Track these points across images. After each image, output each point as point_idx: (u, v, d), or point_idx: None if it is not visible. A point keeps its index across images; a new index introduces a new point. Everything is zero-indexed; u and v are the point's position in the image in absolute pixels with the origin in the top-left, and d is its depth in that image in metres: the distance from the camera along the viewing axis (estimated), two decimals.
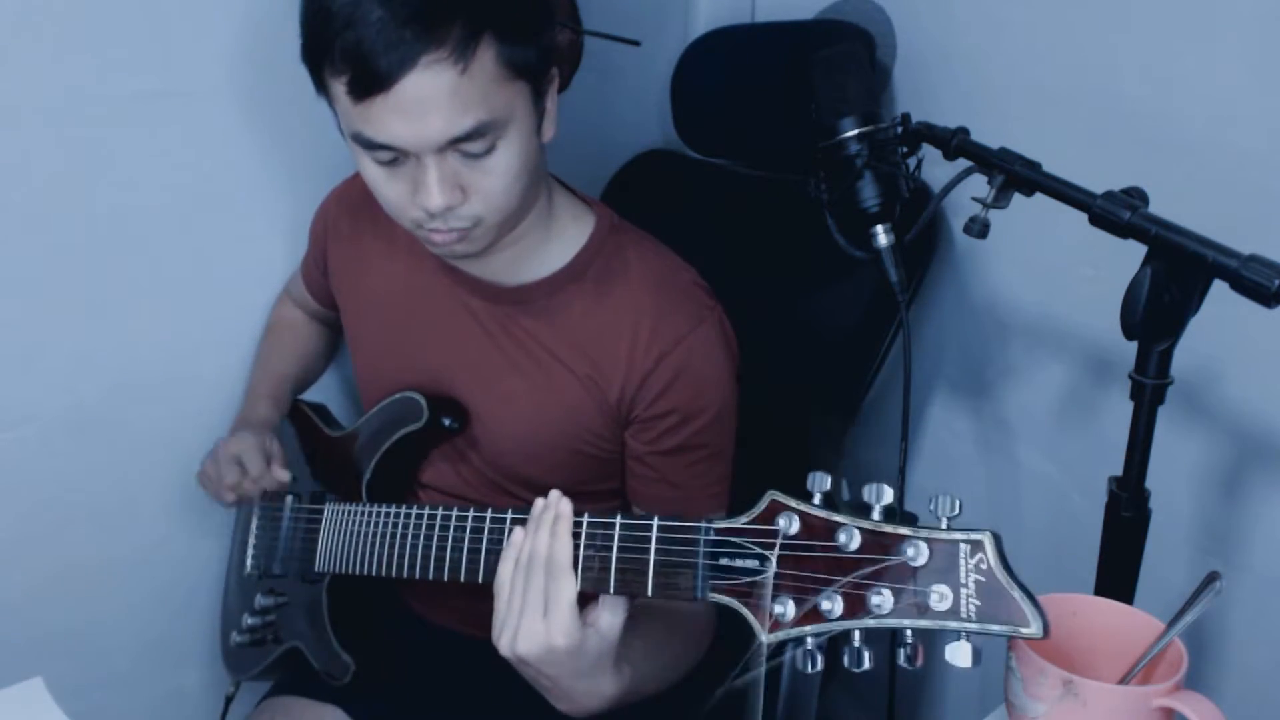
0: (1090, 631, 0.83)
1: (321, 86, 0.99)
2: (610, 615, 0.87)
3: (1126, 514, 0.94)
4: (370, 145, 0.97)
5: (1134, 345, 0.90)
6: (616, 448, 1.15)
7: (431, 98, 0.93)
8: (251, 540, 1.35)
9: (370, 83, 0.92)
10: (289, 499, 1.30)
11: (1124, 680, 0.81)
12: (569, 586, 0.86)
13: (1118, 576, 0.95)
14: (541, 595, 0.87)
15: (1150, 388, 0.90)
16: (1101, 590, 0.95)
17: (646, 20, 1.63)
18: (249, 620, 1.30)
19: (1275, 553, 1.13)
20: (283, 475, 1.24)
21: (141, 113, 1.27)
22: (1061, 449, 1.35)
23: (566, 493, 1.12)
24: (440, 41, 0.91)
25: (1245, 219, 0.94)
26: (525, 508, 0.93)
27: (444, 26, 0.91)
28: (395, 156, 0.98)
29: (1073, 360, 1.30)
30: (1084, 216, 0.92)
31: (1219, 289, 0.86)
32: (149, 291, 1.35)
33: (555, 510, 0.89)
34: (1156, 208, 0.90)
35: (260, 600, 1.30)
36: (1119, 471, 0.94)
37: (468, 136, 0.95)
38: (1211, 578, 0.81)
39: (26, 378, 1.30)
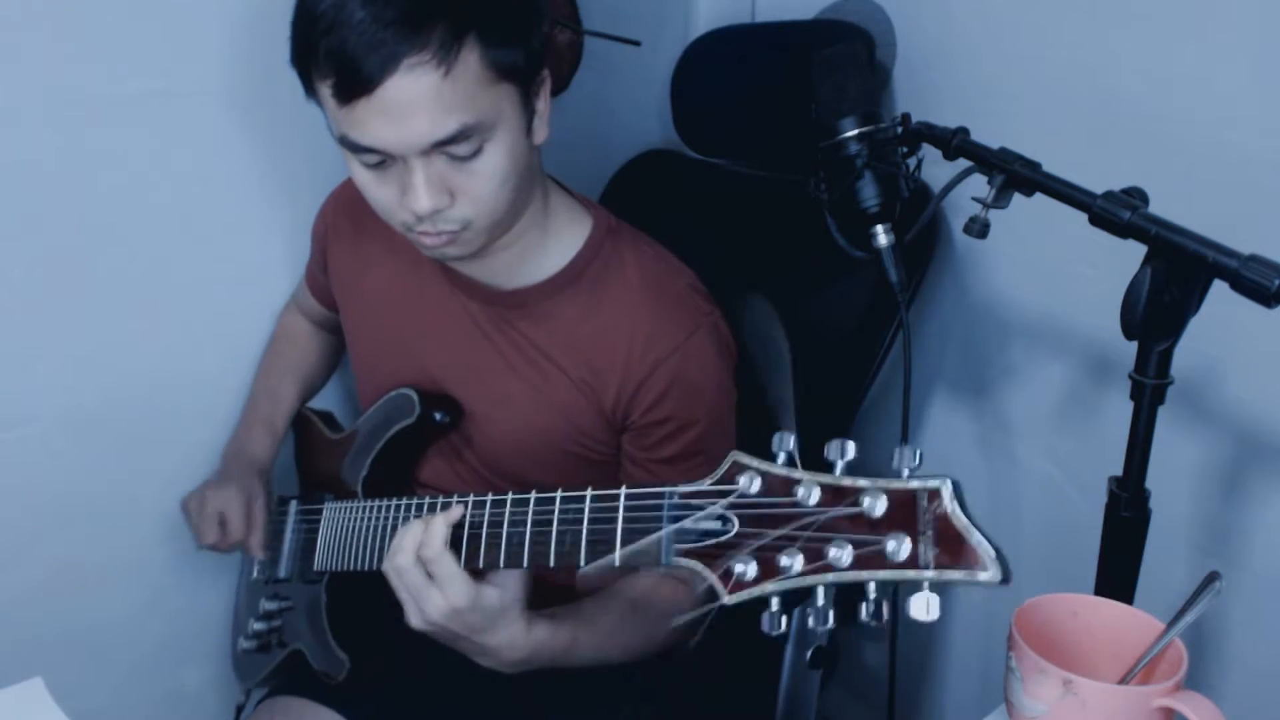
0: (1090, 631, 0.83)
1: (310, 90, 0.99)
2: (507, 575, 0.95)
3: (1126, 514, 0.94)
4: (357, 148, 0.97)
5: (1134, 345, 0.90)
6: (611, 450, 1.15)
7: (414, 100, 0.92)
8: None
9: (354, 85, 0.92)
10: (292, 503, 1.31)
11: (1124, 680, 0.81)
12: (447, 559, 0.93)
13: (1118, 576, 0.95)
14: (424, 572, 0.94)
15: (1150, 388, 0.90)
16: (1101, 590, 0.95)
17: (646, 20, 1.63)
18: (255, 625, 1.31)
19: (1275, 553, 1.13)
20: (257, 553, 1.30)
21: (142, 113, 1.27)
22: (1061, 449, 1.35)
23: (544, 489, 1.13)
24: (423, 44, 0.91)
25: (1245, 219, 0.94)
26: (518, 492, 0.94)
27: (426, 29, 0.91)
28: (382, 159, 0.97)
29: (1073, 360, 1.30)
30: (1084, 216, 0.92)
31: (1219, 289, 0.86)
32: (149, 292, 1.35)
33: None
34: (1156, 208, 0.90)
35: (265, 605, 1.30)
36: (1119, 471, 0.94)
37: (453, 139, 0.95)
38: (1211, 578, 0.81)
39: (26, 378, 1.30)
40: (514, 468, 1.17)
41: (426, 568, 0.93)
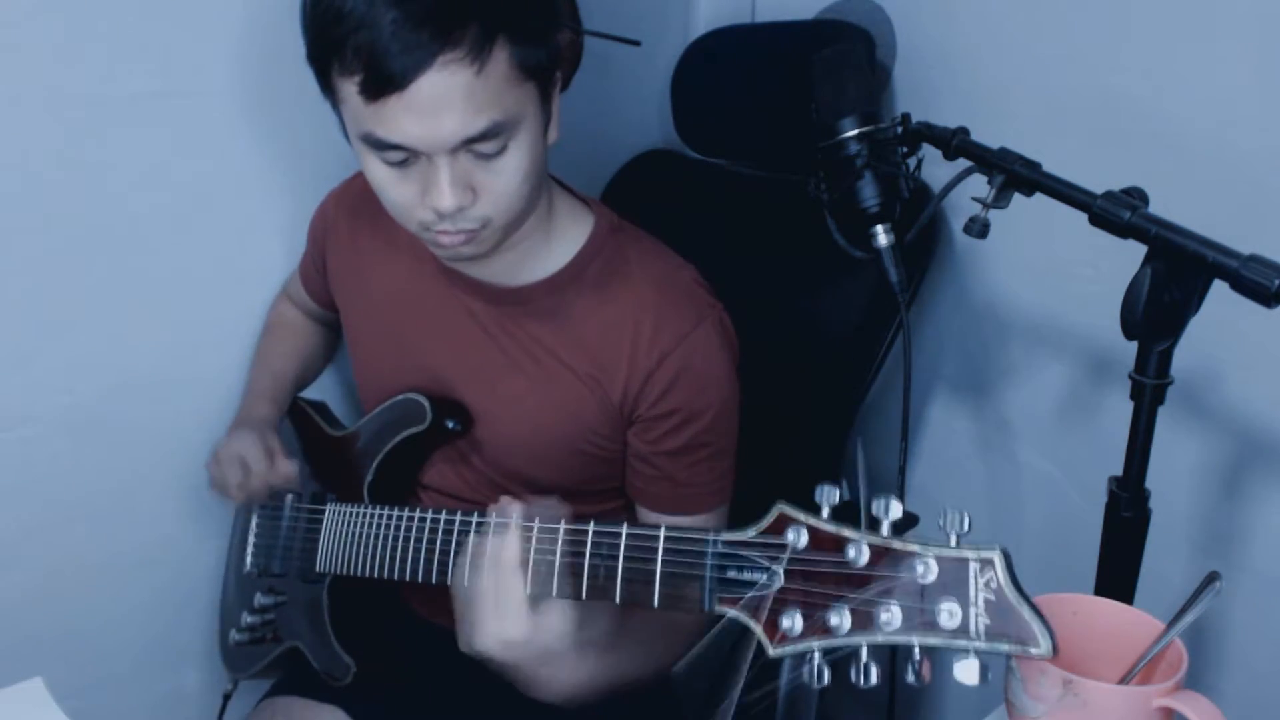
0: (1090, 631, 0.83)
1: (328, 87, 0.98)
2: (560, 611, 0.91)
3: (1126, 514, 0.94)
4: (382, 146, 0.97)
5: (1134, 345, 0.90)
6: (619, 447, 1.15)
7: (446, 98, 0.92)
8: (251, 538, 1.35)
9: (384, 83, 0.92)
10: (289, 497, 1.30)
11: (1124, 680, 0.81)
12: (517, 584, 0.89)
13: (1118, 576, 0.95)
14: (494, 593, 0.90)
15: (1150, 388, 0.90)
16: (1101, 590, 0.95)
17: (646, 20, 1.63)
18: (248, 619, 1.30)
19: (1275, 553, 1.13)
20: (287, 469, 1.26)
21: (142, 113, 1.27)
22: (1061, 449, 1.35)
23: (567, 492, 1.12)
24: (456, 42, 0.91)
25: (1245, 219, 0.94)
26: (544, 520, 0.93)
27: (460, 27, 0.91)
28: (406, 157, 0.97)
29: (1073, 360, 1.30)
30: (1084, 216, 0.92)
31: (1219, 289, 0.86)
32: (148, 291, 1.35)
33: (503, 514, 0.93)
34: (1156, 208, 0.90)
35: (260, 599, 1.29)
36: (1119, 471, 0.94)
37: (481, 136, 0.95)
38: (1211, 578, 0.81)
39: (26, 378, 1.30)
40: (520, 467, 1.17)
41: (500, 594, 0.90)
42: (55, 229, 1.27)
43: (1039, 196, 0.97)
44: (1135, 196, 0.91)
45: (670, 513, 1.14)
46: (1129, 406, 0.92)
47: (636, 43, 1.53)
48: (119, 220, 1.31)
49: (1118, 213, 0.89)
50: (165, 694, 1.53)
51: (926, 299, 1.46)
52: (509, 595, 0.90)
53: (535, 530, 0.91)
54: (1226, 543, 1.17)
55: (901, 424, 1.12)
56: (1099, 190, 0.91)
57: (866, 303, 1.34)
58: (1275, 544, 1.13)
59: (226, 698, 1.39)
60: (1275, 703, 1.15)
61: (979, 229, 0.98)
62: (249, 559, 1.34)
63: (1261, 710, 1.15)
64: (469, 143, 0.95)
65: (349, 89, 0.95)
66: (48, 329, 1.30)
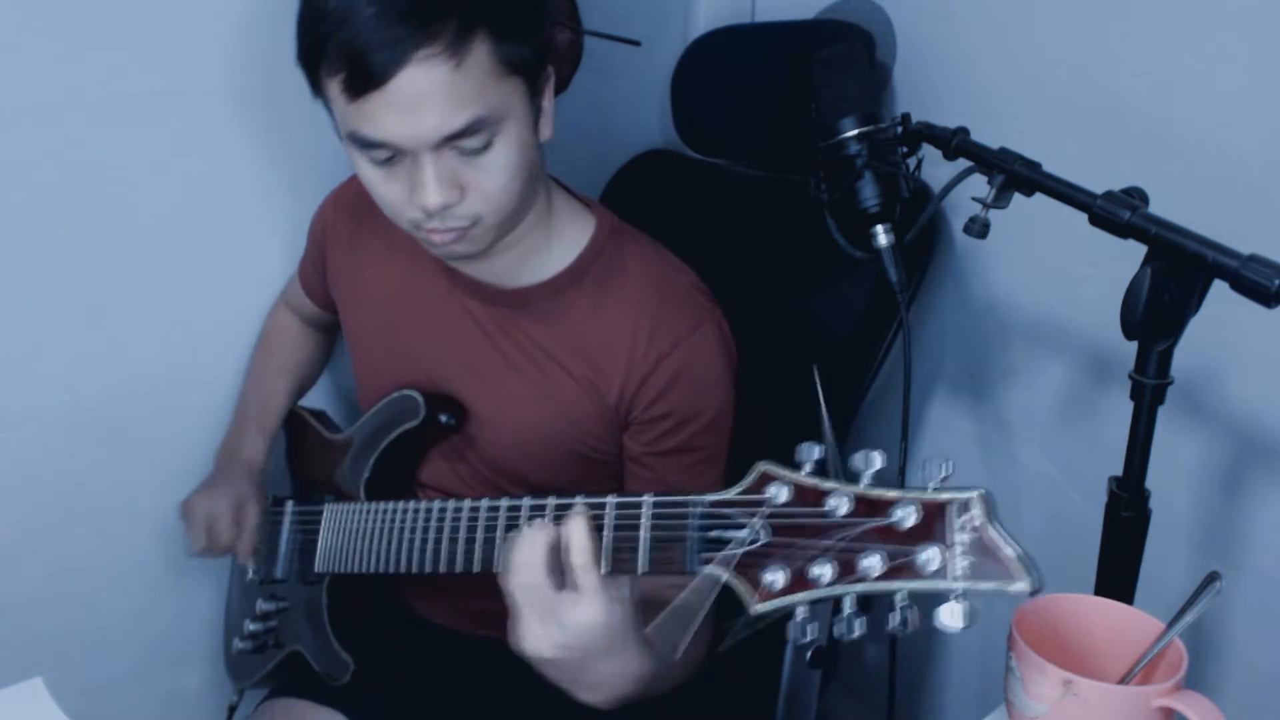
0: (1090, 631, 0.83)
1: (317, 87, 0.99)
2: (622, 585, 0.85)
3: (1126, 514, 0.94)
4: (366, 144, 0.97)
5: (1134, 345, 0.90)
6: (614, 449, 1.15)
7: (426, 93, 0.93)
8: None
9: (365, 79, 0.92)
10: (289, 504, 1.31)
11: (1124, 680, 0.81)
12: (596, 567, 0.83)
13: (1118, 576, 0.96)
14: (555, 586, 0.84)
15: (1150, 388, 0.90)
16: (1101, 590, 0.95)
17: (646, 20, 1.63)
18: (251, 626, 1.30)
19: (1275, 553, 1.13)
20: (245, 559, 1.29)
21: (141, 113, 1.27)
22: (1061, 449, 1.35)
23: (563, 493, 1.12)
24: (434, 37, 0.92)
25: (1245, 219, 0.94)
26: (521, 496, 0.93)
27: (437, 22, 0.92)
28: (391, 155, 0.98)
29: (1073, 360, 1.30)
30: (1084, 216, 0.92)
31: (1219, 289, 0.86)
32: (148, 292, 1.35)
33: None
34: (1156, 208, 0.90)
35: (262, 605, 1.30)
36: (1119, 471, 0.94)
37: (464, 132, 0.95)
38: (1211, 578, 0.81)
39: (26, 378, 1.30)
40: (517, 468, 1.17)
41: (574, 577, 0.82)
42: (55, 229, 1.27)
43: (1039, 196, 0.97)
44: (1135, 196, 0.91)
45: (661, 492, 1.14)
46: (1129, 406, 0.92)
47: (636, 43, 1.53)
48: (119, 220, 1.31)
49: (1118, 213, 0.89)
50: (166, 694, 1.53)
51: (926, 299, 1.46)
52: (588, 577, 0.82)
53: (502, 509, 0.91)
54: (1226, 543, 1.17)
55: (901, 424, 1.12)
56: (1099, 190, 0.91)
57: (866, 303, 1.34)
58: (1275, 544, 1.13)
59: (232, 709, 1.39)
60: (1275, 703, 1.15)
61: (979, 229, 0.98)
62: (251, 566, 1.34)
63: (1261, 710, 1.15)
64: (452, 139, 0.95)
65: (335, 88, 0.95)
66: (48, 329, 1.30)
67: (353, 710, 1.21)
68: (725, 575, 0.75)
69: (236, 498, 1.27)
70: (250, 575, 1.34)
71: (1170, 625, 0.80)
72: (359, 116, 0.95)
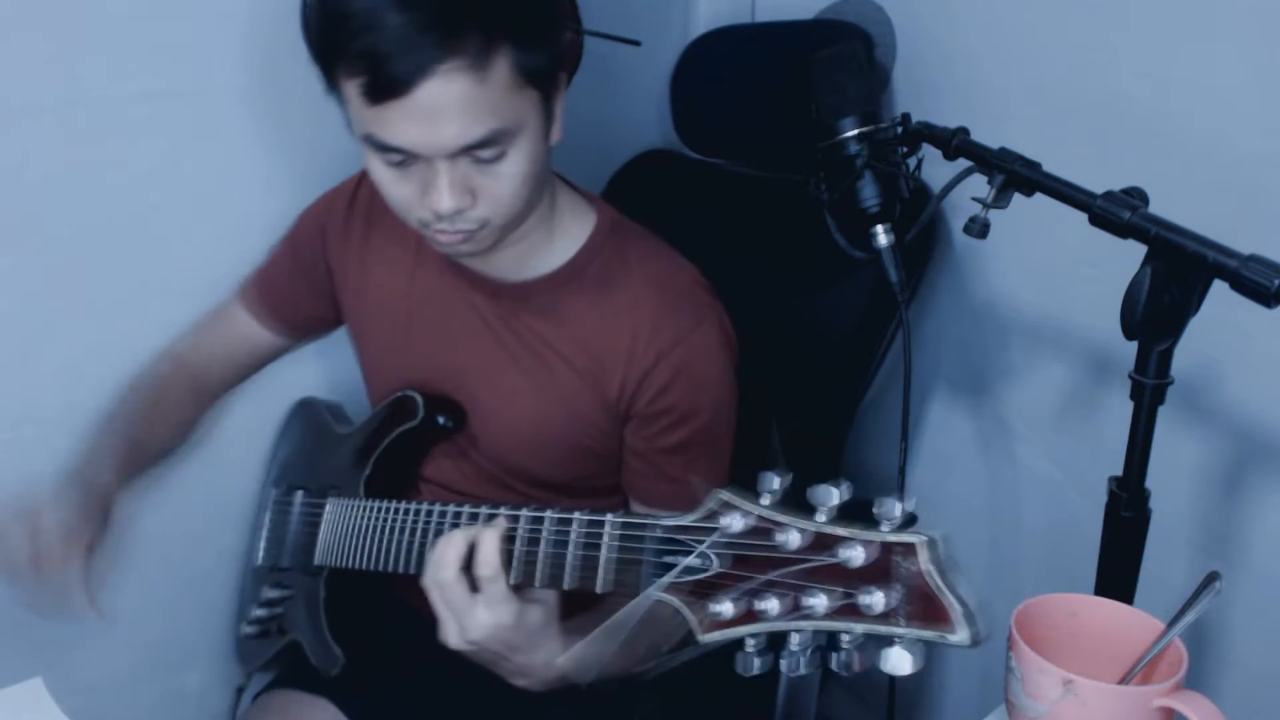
0: (1090, 631, 0.83)
1: (333, 86, 0.99)
2: (544, 591, 0.93)
3: (1126, 514, 0.94)
4: (382, 148, 0.97)
5: (1134, 345, 0.90)
6: (616, 443, 1.15)
7: (447, 105, 0.93)
8: (264, 533, 1.36)
9: (387, 87, 0.92)
10: (299, 494, 1.31)
11: (1124, 680, 0.81)
12: (502, 577, 0.91)
13: (1118, 576, 0.95)
14: (468, 588, 0.92)
15: (1150, 388, 0.90)
16: (1101, 590, 0.95)
17: (646, 20, 1.63)
18: (256, 612, 1.31)
19: (1275, 553, 1.13)
20: (67, 580, 1.11)
21: (142, 112, 1.27)
22: (1061, 449, 1.35)
23: (567, 488, 1.12)
24: (459, 49, 0.91)
25: (1245, 219, 0.94)
26: (514, 503, 0.94)
27: (462, 35, 0.91)
28: (406, 159, 0.98)
29: (1073, 360, 1.30)
30: (1084, 216, 0.92)
31: (1219, 289, 0.86)
32: (149, 291, 1.35)
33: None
34: (1156, 208, 0.90)
35: (267, 592, 1.31)
36: (1119, 471, 0.94)
37: (481, 144, 0.96)
38: (1211, 578, 0.81)
39: (26, 378, 1.30)
40: (519, 462, 1.18)
41: (478, 585, 0.91)
42: (57, 228, 1.27)
43: (1039, 196, 0.97)
44: (1135, 196, 0.91)
45: (666, 510, 1.14)
46: (1129, 406, 0.92)
47: (636, 43, 1.53)
48: (120, 220, 1.31)
49: (1118, 213, 0.89)
50: (166, 694, 1.53)
51: (926, 299, 1.46)
52: (498, 588, 0.91)
53: (545, 524, 0.92)
54: (1226, 543, 1.17)
55: (901, 424, 1.12)
56: (1099, 190, 0.91)
57: (866, 303, 1.34)
58: (1275, 544, 1.13)
59: (240, 692, 1.40)
60: (1275, 703, 1.15)
61: (979, 229, 0.98)
62: (260, 553, 1.35)
63: (1261, 710, 1.15)
64: (468, 149, 0.96)
65: (352, 89, 0.95)
66: (48, 329, 1.30)
67: (348, 703, 1.22)
68: (658, 595, 0.77)
69: (74, 520, 1.12)
70: (260, 561, 1.35)
71: (1170, 625, 0.80)
72: (377, 121, 0.95)
